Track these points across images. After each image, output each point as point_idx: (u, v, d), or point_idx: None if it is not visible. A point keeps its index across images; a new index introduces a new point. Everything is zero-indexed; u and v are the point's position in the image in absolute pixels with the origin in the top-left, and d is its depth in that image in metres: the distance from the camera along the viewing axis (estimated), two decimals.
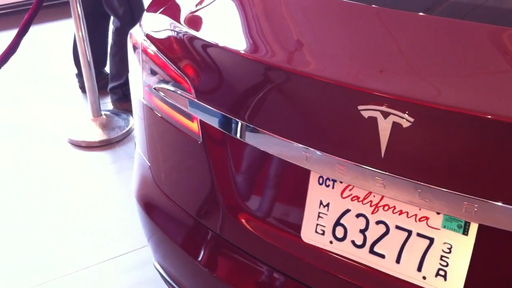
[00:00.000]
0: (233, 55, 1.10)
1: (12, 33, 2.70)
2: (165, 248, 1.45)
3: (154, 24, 1.34)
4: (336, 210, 1.05)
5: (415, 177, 0.91)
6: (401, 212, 0.98)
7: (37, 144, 2.88)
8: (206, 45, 1.16)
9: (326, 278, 1.08)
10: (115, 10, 2.94)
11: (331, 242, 1.07)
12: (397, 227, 0.99)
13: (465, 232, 0.91)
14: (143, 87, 1.34)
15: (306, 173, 1.06)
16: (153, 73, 1.29)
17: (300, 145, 1.02)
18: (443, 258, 0.94)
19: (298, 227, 1.10)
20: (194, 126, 1.22)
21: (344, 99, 0.95)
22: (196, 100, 1.18)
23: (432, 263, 0.96)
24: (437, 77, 0.92)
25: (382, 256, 1.01)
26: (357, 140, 0.95)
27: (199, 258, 1.30)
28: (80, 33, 2.79)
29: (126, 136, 2.92)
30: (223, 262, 1.30)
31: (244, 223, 1.20)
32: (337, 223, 1.05)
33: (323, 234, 1.07)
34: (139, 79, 1.36)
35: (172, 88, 1.24)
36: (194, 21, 1.26)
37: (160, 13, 1.34)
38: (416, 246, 0.97)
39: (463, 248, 0.92)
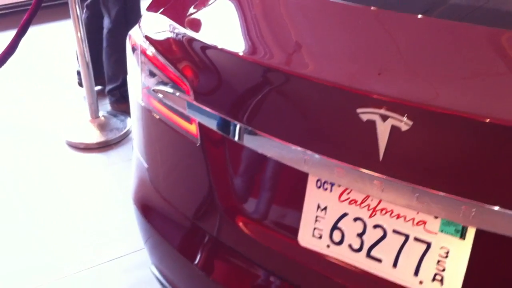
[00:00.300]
0: (232, 57, 1.10)
1: (11, 34, 2.70)
2: (162, 251, 1.44)
3: (153, 25, 1.33)
4: (334, 214, 1.05)
5: (413, 180, 0.91)
6: (398, 216, 0.97)
7: (34, 145, 2.87)
8: (205, 47, 1.16)
9: (323, 282, 1.08)
10: (108, 10, 2.93)
11: (328, 246, 1.06)
12: (395, 231, 0.98)
13: (463, 236, 0.91)
14: (141, 88, 1.34)
15: (304, 176, 1.06)
16: (152, 74, 1.29)
17: (298, 148, 1.02)
18: (440, 263, 0.94)
19: (295, 231, 1.10)
20: (192, 128, 1.22)
21: (343, 101, 0.95)
22: (194, 102, 1.18)
23: (429, 267, 0.95)
24: (435, 80, 0.92)
25: (379, 260, 1.01)
26: (356, 143, 0.95)
27: (196, 261, 1.30)
28: (78, 34, 2.79)
29: (124, 137, 2.91)
30: (220, 265, 1.30)
31: (241, 226, 1.20)
32: (335, 226, 1.05)
33: (320, 237, 1.07)
34: (137, 81, 1.36)
35: (170, 90, 1.23)
36: (193, 23, 1.26)
37: (160, 13, 1.33)
38: (413, 250, 0.97)
39: (460, 252, 0.92)
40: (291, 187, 1.12)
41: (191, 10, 1.31)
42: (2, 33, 4.04)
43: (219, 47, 1.12)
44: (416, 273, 0.97)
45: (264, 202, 1.17)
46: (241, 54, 1.09)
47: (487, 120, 0.82)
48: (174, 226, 1.38)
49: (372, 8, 1.07)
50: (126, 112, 3.01)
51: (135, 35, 1.37)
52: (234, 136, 1.12)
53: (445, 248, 0.93)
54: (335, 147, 0.98)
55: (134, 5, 2.95)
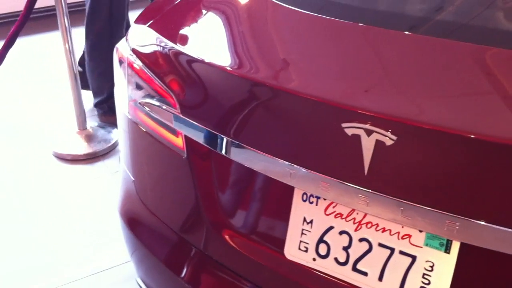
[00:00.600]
0: (219, 71, 1.11)
1: None
2: (148, 264, 1.44)
3: (140, 39, 1.34)
4: (320, 227, 1.05)
5: (398, 195, 0.91)
6: (384, 230, 0.98)
7: (22, 155, 2.86)
8: (192, 60, 1.16)
9: None
10: (93, 24, 2.93)
11: (314, 259, 1.06)
12: (380, 245, 0.99)
13: (447, 250, 0.92)
14: (128, 101, 1.34)
15: (290, 190, 1.06)
16: (139, 87, 1.29)
17: (285, 162, 1.02)
18: (425, 276, 0.94)
19: (281, 244, 1.10)
20: (179, 141, 1.22)
21: (328, 116, 0.96)
22: (181, 115, 1.18)
23: (414, 281, 0.96)
24: (420, 95, 0.93)
25: (365, 274, 1.01)
26: (341, 157, 0.96)
27: (182, 275, 1.29)
28: (66, 46, 2.79)
29: (112, 149, 2.90)
30: (206, 278, 1.29)
31: (227, 239, 1.19)
32: (321, 240, 1.05)
33: (306, 251, 1.07)
34: (124, 94, 1.36)
35: (157, 103, 1.23)
36: (181, 37, 1.27)
37: (147, 26, 1.34)
38: (399, 264, 0.97)
39: (445, 266, 0.92)
40: (277, 201, 1.12)
41: (179, 23, 1.32)
42: None
43: (206, 61, 1.12)
44: (402, 286, 0.97)
45: (250, 216, 1.17)
46: (228, 68, 1.09)
47: (471, 136, 0.83)
48: (160, 239, 1.37)
49: (360, 24, 1.08)
50: (115, 124, 2.99)
51: (122, 48, 1.37)
52: (220, 149, 1.12)
53: (430, 262, 0.94)
54: (321, 161, 0.99)
55: (120, 18, 2.94)
